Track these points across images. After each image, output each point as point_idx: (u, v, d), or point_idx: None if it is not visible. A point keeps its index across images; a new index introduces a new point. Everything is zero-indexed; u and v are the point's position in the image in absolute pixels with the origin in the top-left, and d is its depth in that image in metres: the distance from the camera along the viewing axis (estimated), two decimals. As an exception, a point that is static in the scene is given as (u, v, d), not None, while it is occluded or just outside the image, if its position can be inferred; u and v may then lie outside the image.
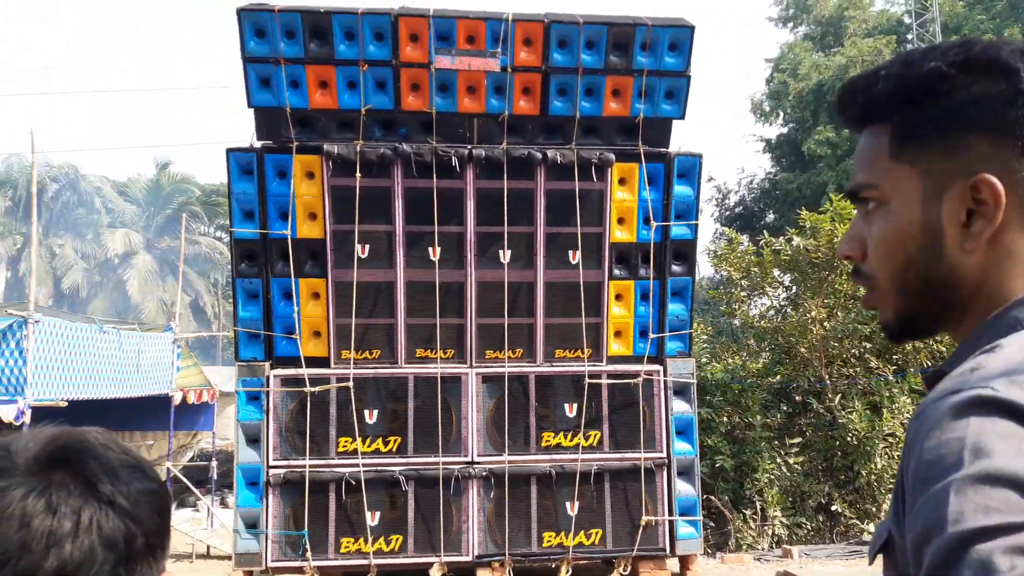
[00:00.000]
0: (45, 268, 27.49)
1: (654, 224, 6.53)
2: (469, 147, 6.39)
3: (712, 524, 8.53)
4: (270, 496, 6.60)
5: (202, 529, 10.69)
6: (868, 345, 9.14)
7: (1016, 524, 0.53)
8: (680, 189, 6.54)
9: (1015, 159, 0.72)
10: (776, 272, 10.15)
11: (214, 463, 13.05)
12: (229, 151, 6.48)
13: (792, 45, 20.48)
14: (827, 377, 9.15)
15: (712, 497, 8.41)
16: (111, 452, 0.70)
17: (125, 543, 0.66)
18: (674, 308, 6.75)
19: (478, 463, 6.73)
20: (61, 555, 0.63)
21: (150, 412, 13.10)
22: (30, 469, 0.66)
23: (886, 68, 0.79)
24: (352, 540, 6.67)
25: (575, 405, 6.71)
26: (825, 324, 9.29)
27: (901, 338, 0.83)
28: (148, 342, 13.30)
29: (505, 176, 6.40)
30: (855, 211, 0.83)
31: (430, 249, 6.59)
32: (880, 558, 0.72)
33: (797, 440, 8.93)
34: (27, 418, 9.37)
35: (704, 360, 10.04)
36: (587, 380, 6.66)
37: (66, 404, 10.25)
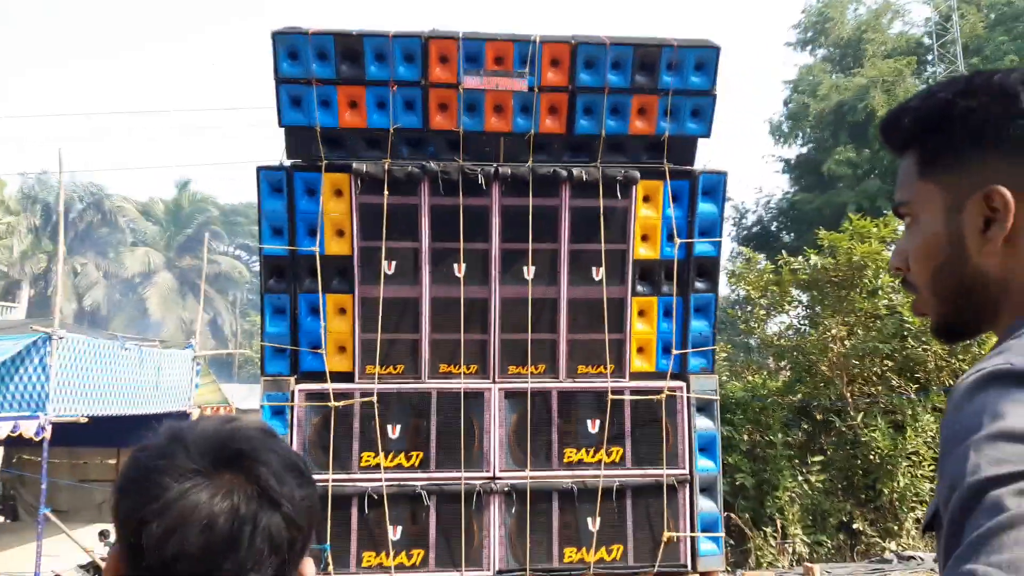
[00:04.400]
0: (68, 286, 27.86)
1: (678, 241, 6.60)
2: (495, 165, 6.50)
3: (732, 542, 8.51)
4: (294, 509, 6.66)
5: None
6: (889, 363, 9.14)
7: None
8: (705, 207, 6.62)
9: (1022, 169, 0.81)
10: (794, 291, 10.17)
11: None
12: (259, 169, 6.62)
13: (811, 67, 20.59)
14: (848, 395, 9.14)
15: (732, 515, 8.40)
16: (276, 454, 0.72)
17: (288, 546, 0.70)
18: (697, 324, 6.80)
19: (500, 478, 6.76)
20: (237, 559, 0.66)
21: (169, 428, 13.17)
22: (205, 468, 0.68)
23: (911, 102, 0.90)
24: (374, 554, 6.70)
25: (597, 421, 6.75)
26: (845, 342, 9.30)
27: (948, 339, 0.92)
28: (168, 359, 13.44)
29: (530, 194, 6.50)
30: (898, 228, 0.94)
31: (455, 266, 6.68)
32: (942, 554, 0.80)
33: (818, 458, 8.91)
34: (47, 434, 9.47)
35: (724, 378, 10.06)
36: (610, 396, 6.70)
37: (87, 420, 10.35)
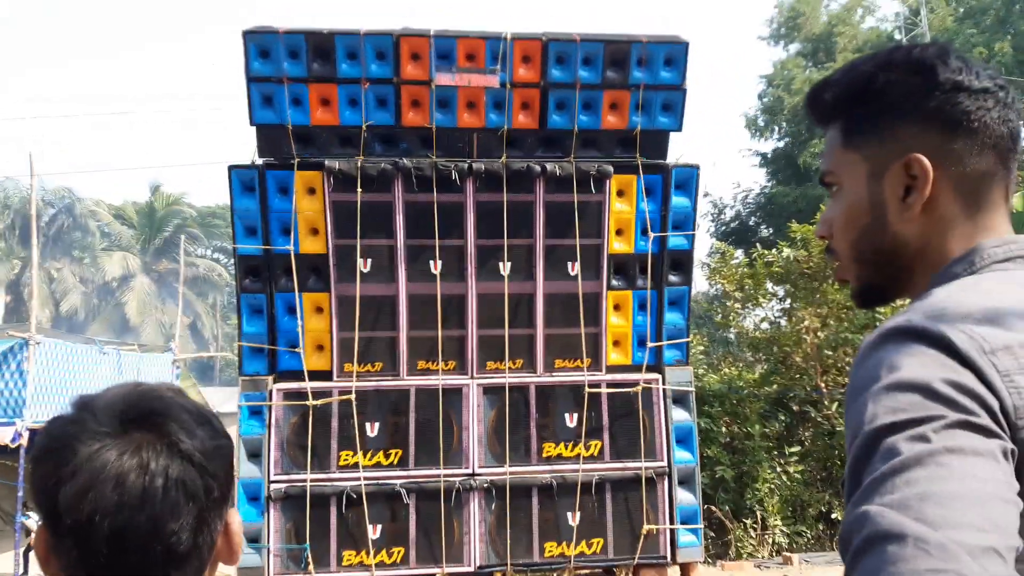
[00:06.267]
0: (44, 292, 27.52)
1: (652, 235, 6.64)
2: (469, 161, 6.51)
3: (712, 534, 8.58)
4: (271, 511, 6.63)
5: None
6: (863, 354, 9.24)
7: (918, 418, 0.64)
8: (678, 200, 6.67)
9: (939, 139, 0.85)
10: (769, 284, 10.27)
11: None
12: (231, 168, 6.59)
13: (785, 62, 20.78)
14: (823, 386, 9.25)
15: (713, 507, 8.46)
16: (186, 411, 0.75)
17: (204, 494, 0.72)
18: (671, 317, 6.86)
19: (479, 475, 6.78)
20: (153, 511, 0.69)
21: (148, 433, 13.05)
22: (116, 430, 0.71)
23: (833, 76, 0.94)
24: (354, 553, 6.70)
25: (575, 415, 6.78)
26: (819, 334, 9.40)
27: (866, 304, 0.96)
28: (147, 363, 13.33)
29: (505, 189, 6.51)
30: None
31: (431, 263, 6.68)
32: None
33: (796, 449, 9.00)
34: (24, 440, 9.35)
35: (701, 371, 10.13)
36: (587, 389, 6.73)
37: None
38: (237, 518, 0.79)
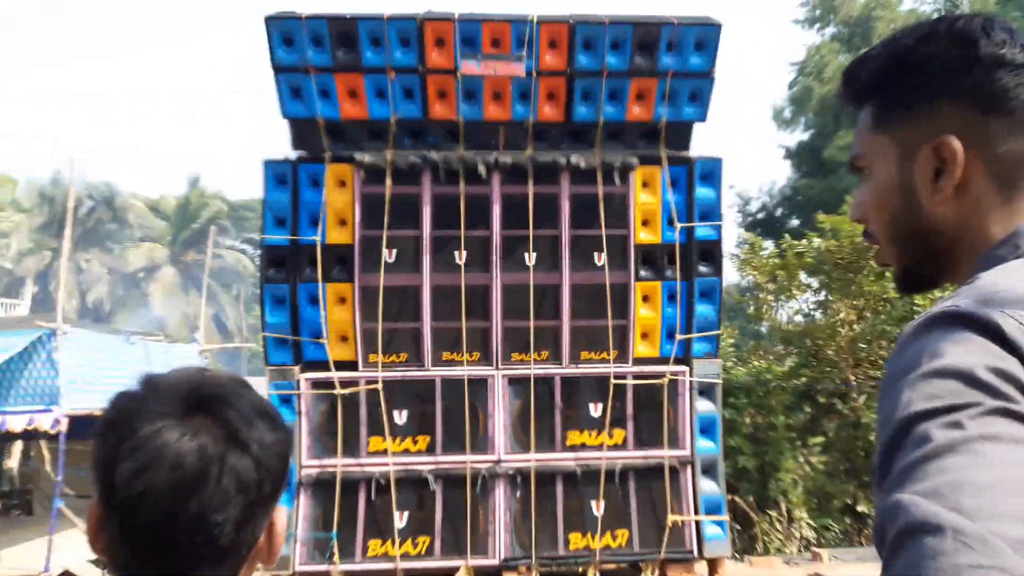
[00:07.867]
0: (72, 283, 27.99)
1: (678, 225, 6.58)
2: (495, 154, 6.51)
3: (738, 527, 8.50)
4: (301, 497, 6.70)
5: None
6: (895, 347, 9.10)
7: (955, 405, 0.61)
8: (702, 191, 6.61)
9: (974, 119, 0.80)
10: (802, 275, 10.12)
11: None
12: (266, 162, 6.65)
13: (819, 47, 20.31)
14: (853, 378, 9.12)
15: (736, 498, 8.39)
16: (249, 402, 0.74)
17: (256, 488, 0.71)
18: (702, 309, 6.79)
19: (504, 461, 6.79)
20: (203, 498, 0.68)
21: (178, 422, 13.27)
22: (176, 411, 0.70)
23: (873, 51, 0.89)
24: (380, 543, 6.74)
25: (600, 404, 6.76)
26: (855, 326, 9.26)
27: (909, 289, 0.93)
28: (175, 354, 13.52)
29: (531, 181, 6.50)
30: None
31: (456, 253, 6.69)
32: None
33: (819, 439, 8.91)
34: (63, 427, 9.52)
35: (729, 364, 10.04)
36: (612, 381, 6.70)
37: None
38: (283, 518, 0.77)
